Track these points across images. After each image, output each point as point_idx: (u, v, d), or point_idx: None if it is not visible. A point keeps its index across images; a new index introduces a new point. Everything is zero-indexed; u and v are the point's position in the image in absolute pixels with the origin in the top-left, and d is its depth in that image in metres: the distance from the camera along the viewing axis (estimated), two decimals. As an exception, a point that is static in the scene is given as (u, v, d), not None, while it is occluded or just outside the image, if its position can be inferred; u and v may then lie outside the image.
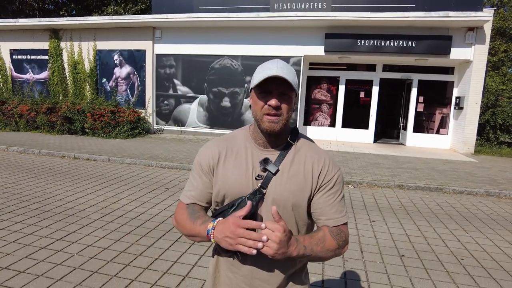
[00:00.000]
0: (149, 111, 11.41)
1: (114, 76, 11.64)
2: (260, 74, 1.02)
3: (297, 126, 10.23)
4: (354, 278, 2.95)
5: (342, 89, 10.91)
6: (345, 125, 11.11)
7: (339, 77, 10.94)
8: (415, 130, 10.81)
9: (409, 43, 9.31)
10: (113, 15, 17.01)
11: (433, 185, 6.01)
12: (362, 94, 11.01)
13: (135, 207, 4.50)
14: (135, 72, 11.39)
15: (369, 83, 10.79)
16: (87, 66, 11.75)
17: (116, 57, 11.48)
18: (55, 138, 9.62)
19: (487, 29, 9.08)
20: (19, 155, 7.56)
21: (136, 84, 11.45)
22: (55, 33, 11.85)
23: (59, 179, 5.68)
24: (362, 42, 9.54)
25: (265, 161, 1.10)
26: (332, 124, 11.24)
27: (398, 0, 9.45)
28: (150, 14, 11.66)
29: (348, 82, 10.90)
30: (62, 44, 11.88)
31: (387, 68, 10.70)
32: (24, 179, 5.55)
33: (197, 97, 11.08)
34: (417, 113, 10.73)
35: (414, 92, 10.60)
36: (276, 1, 10.14)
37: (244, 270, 1.12)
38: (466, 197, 5.73)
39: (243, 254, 0.99)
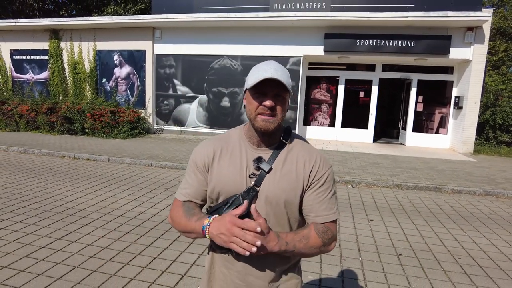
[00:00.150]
0: (149, 111, 11.43)
1: (114, 76, 11.66)
2: (255, 75, 1.04)
3: (297, 126, 10.36)
4: (351, 276, 2.97)
5: (341, 89, 10.93)
6: (344, 125, 11.13)
7: (338, 77, 10.95)
8: (415, 129, 10.82)
9: (408, 43, 9.33)
10: (113, 15, 17.03)
11: (432, 185, 6.03)
12: (361, 94, 11.02)
13: (135, 206, 4.53)
14: (135, 72, 11.41)
15: (369, 83, 10.81)
16: (87, 66, 11.77)
17: (116, 57, 11.50)
18: (55, 138, 9.65)
19: (486, 28, 9.09)
20: (19, 155, 7.59)
21: (136, 84, 11.47)
22: (55, 33, 11.87)
23: (59, 179, 5.71)
24: (362, 42, 9.55)
25: (259, 159, 1.13)
26: (332, 124, 11.26)
27: (397, 0, 9.46)
28: (150, 14, 11.69)
29: (348, 82, 10.92)
30: (62, 44, 11.90)
31: (386, 68, 10.71)
32: (24, 179, 5.58)
33: (197, 97, 11.10)
34: (417, 113, 10.74)
35: (413, 92, 10.61)
36: (275, 1, 10.16)
37: (238, 266, 1.14)
38: (464, 196, 5.75)
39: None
